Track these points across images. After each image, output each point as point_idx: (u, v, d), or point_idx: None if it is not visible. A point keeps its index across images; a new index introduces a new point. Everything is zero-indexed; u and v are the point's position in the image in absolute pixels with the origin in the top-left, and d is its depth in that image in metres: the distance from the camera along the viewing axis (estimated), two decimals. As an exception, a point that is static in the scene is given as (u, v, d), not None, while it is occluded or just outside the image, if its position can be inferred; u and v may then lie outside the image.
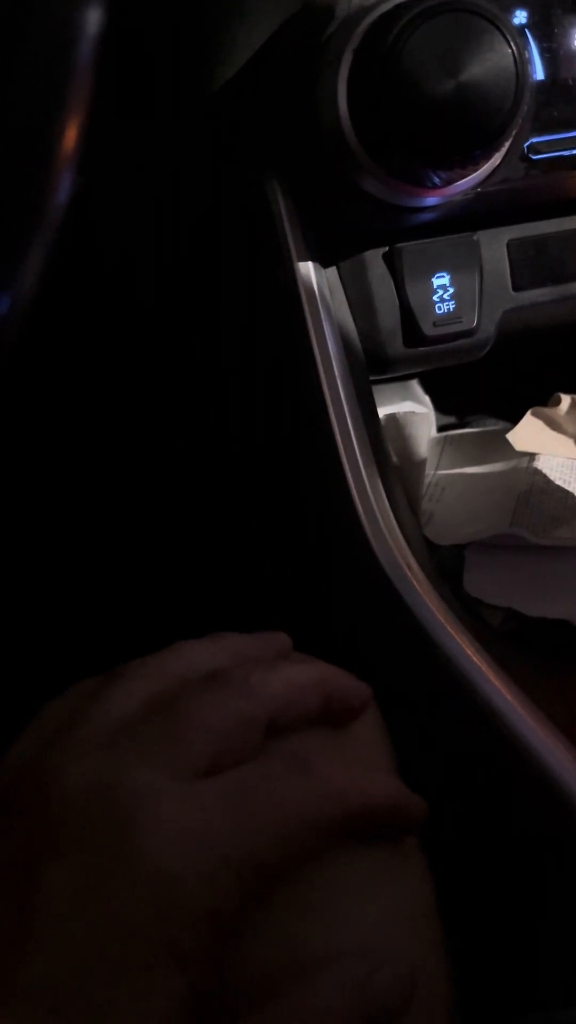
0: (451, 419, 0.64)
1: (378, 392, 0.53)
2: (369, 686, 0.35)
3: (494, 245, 0.46)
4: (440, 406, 0.63)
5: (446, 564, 0.50)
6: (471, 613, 0.47)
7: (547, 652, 0.45)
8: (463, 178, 0.40)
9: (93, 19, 0.20)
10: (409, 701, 0.40)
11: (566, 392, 0.55)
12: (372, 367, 0.46)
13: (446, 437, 0.62)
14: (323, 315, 0.44)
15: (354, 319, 0.46)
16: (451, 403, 0.63)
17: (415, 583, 0.44)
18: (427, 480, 0.57)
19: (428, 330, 0.45)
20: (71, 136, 0.21)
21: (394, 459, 0.53)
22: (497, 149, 0.38)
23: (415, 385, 0.61)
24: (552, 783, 0.34)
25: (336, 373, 0.44)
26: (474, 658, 0.39)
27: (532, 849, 0.36)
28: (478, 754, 0.37)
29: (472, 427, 0.63)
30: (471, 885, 0.36)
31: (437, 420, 0.64)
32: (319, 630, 0.48)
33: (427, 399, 0.60)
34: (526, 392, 0.58)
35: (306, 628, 0.43)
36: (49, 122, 0.20)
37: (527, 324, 0.48)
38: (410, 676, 0.41)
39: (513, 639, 0.47)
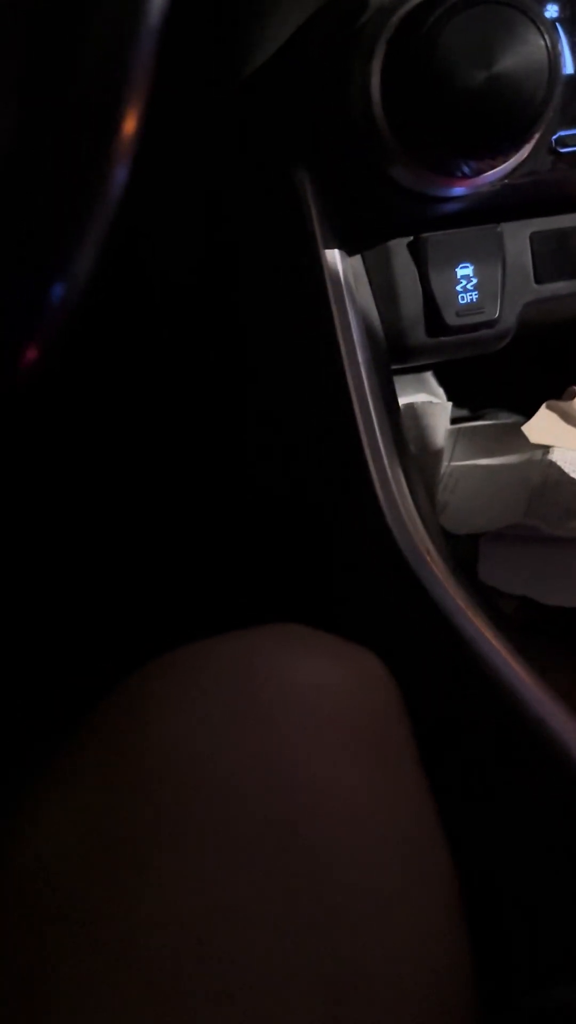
0: (465, 412, 0.65)
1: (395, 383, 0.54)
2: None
3: (517, 237, 0.46)
4: (454, 398, 0.63)
5: (461, 554, 0.51)
6: (486, 601, 0.48)
7: (561, 641, 0.46)
8: (492, 169, 0.40)
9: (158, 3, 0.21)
10: (428, 685, 0.41)
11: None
12: (394, 356, 0.47)
13: (460, 429, 0.62)
14: (348, 303, 0.44)
15: (378, 308, 0.46)
16: (465, 396, 0.64)
17: (435, 568, 0.44)
18: (442, 471, 0.58)
19: (451, 320, 0.45)
20: (133, 118, 0.21)
21: (412, 449, 0.53)
22: (527, 141, 0.39)
23: (430, 377, 0.61)
24: (571, 764, 0.35)
25: (360, 361, 0.45)
26: (493, 641, 0.40)
27: (548, 829, 0.36)
28: (497, 735, 0.38)
29: (486, 420, 0.63)
30: (487, 868, 0.37)
31: (452, 413, 0.64)
32: (341, 615, 0.49)
33: (441, 391, 0.61)
34: (540, 386, 0.58)
35: (328, 614, 0.43)
36: (114, 104, 0.21)
37: (547, 316, 0.48)
38: (429, 659, 0.42)
39: (527, 628, 0.47)
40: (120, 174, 0.22)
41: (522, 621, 0.48)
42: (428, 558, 0.45)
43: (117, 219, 0.22)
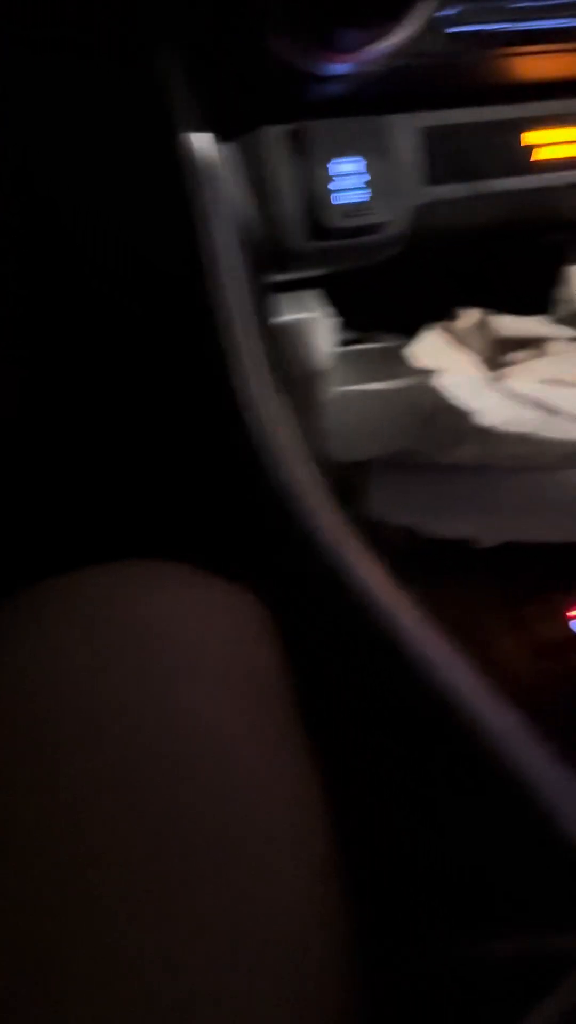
0: (351, 335, 0.61)
1: (275, 303, 0.49)
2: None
3: (408, 132, 0.42)
4: (340, 320, 0.59)
5: (346, 484, 0.47)
6: (372, 532, 0.44)
7: (449, 572, 0.43)
8: (374, 42, 0.36)
9: None
10: (307, 621, 0.37)
11: (470, 307, 0.53)
12: (272, 263, 0.42)
13: (346, 353, 0.59)
14: (216, 195, 0.39)
15: (252, 205, 0.41)
16: (351, 318, 0.60)
17: (312, 498, 0.40)
18: (326, 398, 0.54)
19: (336, 221, 0.41)
20: None
21: (292, 369, 0.49)
22: (406, 11, 0.35)
23: (315, 297, 0.57)
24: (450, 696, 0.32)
25: (230, 264, 0.40)
26: (375, 574, 0.36)
27: (431, 772, 0.33)
28: (378, 670, 0.35)
29: (373, 343, 0.59)
30: (368, 818, 0.34)
31: (337, 337, 0.60)
32: (215, 551, 0.45)
33: (328, 314, 0.57)
34: (429, 308, 0.55)
35: (202, 550, 0.39)
36: None
37: (440, 224, 0.44)
38: (308, 594, 0.38)
39: (415, 559, 0.44)
40: None
41: (410, 553, 0.44)
42: (305, 487, 0.41)
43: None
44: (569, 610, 0.37)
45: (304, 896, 0.27)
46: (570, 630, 0.36)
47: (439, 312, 0.53)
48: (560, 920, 0.26)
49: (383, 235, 0.42)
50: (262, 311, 0.43)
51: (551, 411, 0.52)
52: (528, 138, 0.44)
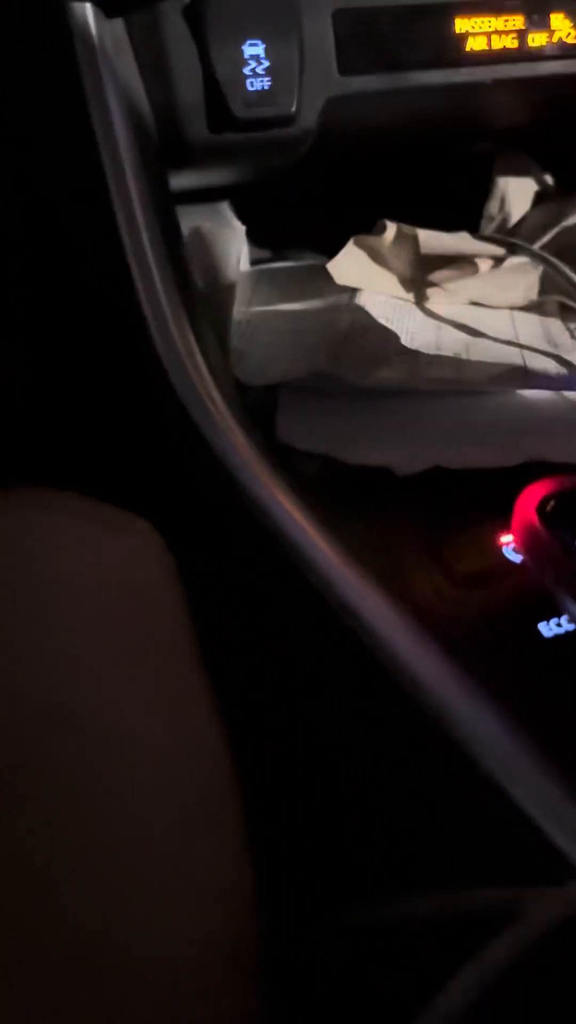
0: (265, 253, 0.57)
1: (181, 215, 0.45)
2: None
3: (318, 14, 0.38)
4: (253, 237, 0.55)
5: (256, 409, 0.44)
6: (284, 462, 0.41)
7: (366, 503, 0.40)
8: None
9: None
10: (210, 554, 0.34)
11: (391, 219, 0.49)
12: (170, 155, 0.38)
13: (258, 271, 0.55)
14: (106, 79, 0.35)
15: (147, 91, 0.37)
16: (265, 234, 0.56)
17: (219, 420, 0.37)
18: (238, 318, 0.50)
19: (239, 111, 0.37)
20: None
21: (199, 283, 0.45)
22: None
23: (225, 208, 0.53)
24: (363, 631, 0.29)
25: (124, 159, 0.36)
26: (284, 502, 0.33)
27: (346, 716, 0.31)
28: (286, 604, 0.32)
29: (287, 261, 0.56)
30: (276, 772, 0.31)
31: (250, 254, 0.56)
32: (107, 477, 0.41)
33: (239, 225, 0.52)
34: (346, 225, 0.51)
35: (92, 476, 0.35)
36: None
37: (353, 119, 0.40)
38: (211, 524, 0.35)
39: (327, 491, 0.41)
40: None
41: (323, 483, 0.41)
42: (212, 407, 0.37)
43: None
44: (498, 537, 0.34)
45: (197, 855, 0.24)
46: (501, 557, 0.33)
47: (357, 230, 0.49)
48: (483, 874, 0.23)
49: (291, 129, 0.38)
50: (165, 218, 0.39)
51: (476, 333, 0.49)
52: (461, 25, 0.40)
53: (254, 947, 0.23)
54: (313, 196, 0.49)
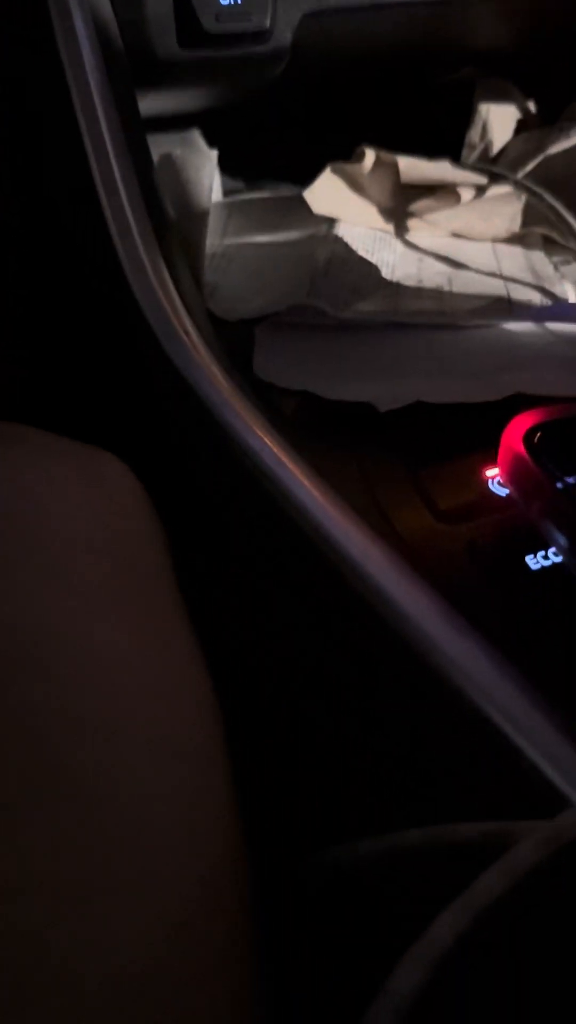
0: (239, 183, 0.55)
1: (151, 143, 0.43)
2: None
3: None
4: (226, 166, 0.53)
5: (233, 345, 0.42)
6: (261, 397, 0.40)
7: (347, 440, 0.39)
8: None
9: None
10: (187, 491, 0.33)
11: (370, 145, 0.47)
12: (138, 72, 0.36)
13: (233, 203, 0.53)
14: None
15: (113, 5, 0.35)
16: (239, 163, 0.54)
17: (195, 354, 0.36)
18: (212, 251, 0.48)
19: (209, 25, 0.35)
20: None
21: (171, 212, 0.43)
22: None
23: (196, 136, 0.51)
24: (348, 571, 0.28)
25: (89, 77, 0.34)
26: (264, 437, 0.32)
27: (334, 663, 0.30)
28: (266, 544, 0.31)
29: (263, 192, 0.54)
30: (259, 717, 0.31)
31: (224, 186, 0.54)
32: (78, 413, 0.39)
33: (211, 151, 0.50)
34: (324, 153, 0.49)
35: (62, 412, 0.34)
36: None
37: (330, 37, 0.38)
38: (188, 460, 0.34)
39: (309, 427, 0.40)
40: None
41: (302, 420, 0.40)
42: (188, 341, 0.36)
43: None
44: (483, 470, 0.33)
45: (179, 791, 0.24)
46: (486, 491, 0.33)
47: (335, 160, 0.48)
48: (473, 810, 0.23)
49: (265, 46, 0.36)
50: (135, 142, 0.37)
51: (458, 266, 0.48)
52: None
53: (241, 885, 0.23)
54: (289, 123, 0.47)
